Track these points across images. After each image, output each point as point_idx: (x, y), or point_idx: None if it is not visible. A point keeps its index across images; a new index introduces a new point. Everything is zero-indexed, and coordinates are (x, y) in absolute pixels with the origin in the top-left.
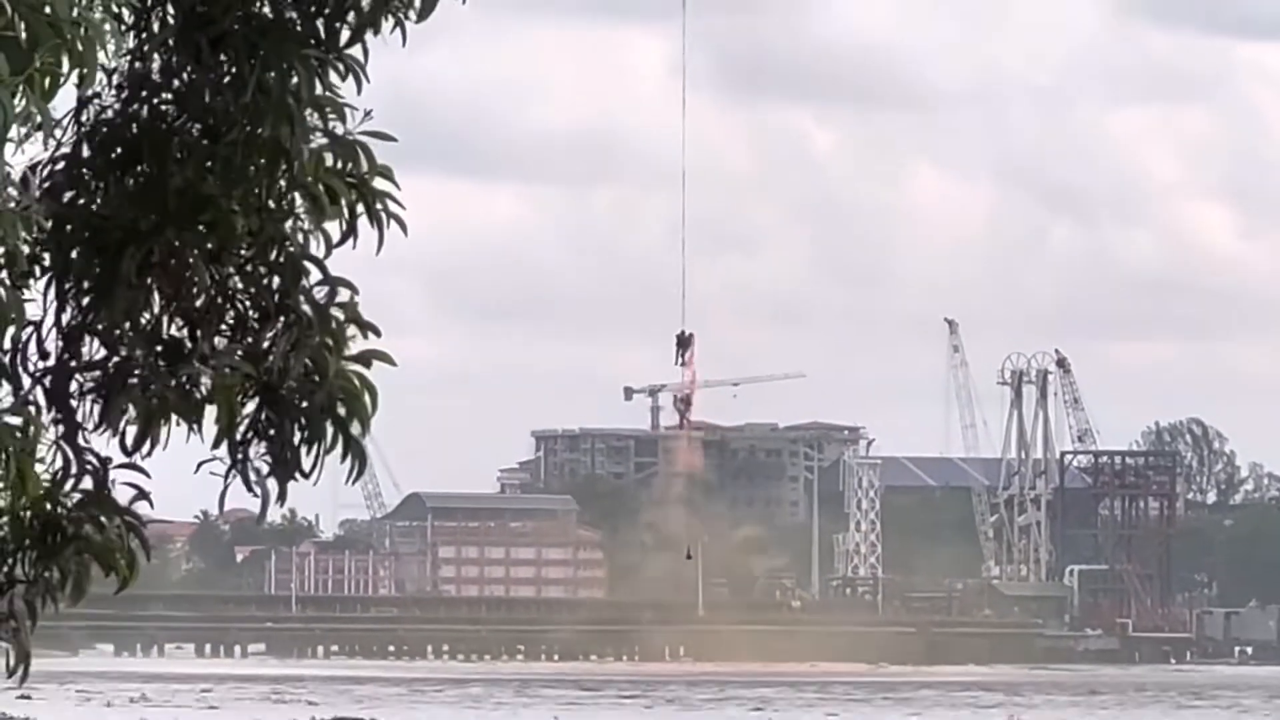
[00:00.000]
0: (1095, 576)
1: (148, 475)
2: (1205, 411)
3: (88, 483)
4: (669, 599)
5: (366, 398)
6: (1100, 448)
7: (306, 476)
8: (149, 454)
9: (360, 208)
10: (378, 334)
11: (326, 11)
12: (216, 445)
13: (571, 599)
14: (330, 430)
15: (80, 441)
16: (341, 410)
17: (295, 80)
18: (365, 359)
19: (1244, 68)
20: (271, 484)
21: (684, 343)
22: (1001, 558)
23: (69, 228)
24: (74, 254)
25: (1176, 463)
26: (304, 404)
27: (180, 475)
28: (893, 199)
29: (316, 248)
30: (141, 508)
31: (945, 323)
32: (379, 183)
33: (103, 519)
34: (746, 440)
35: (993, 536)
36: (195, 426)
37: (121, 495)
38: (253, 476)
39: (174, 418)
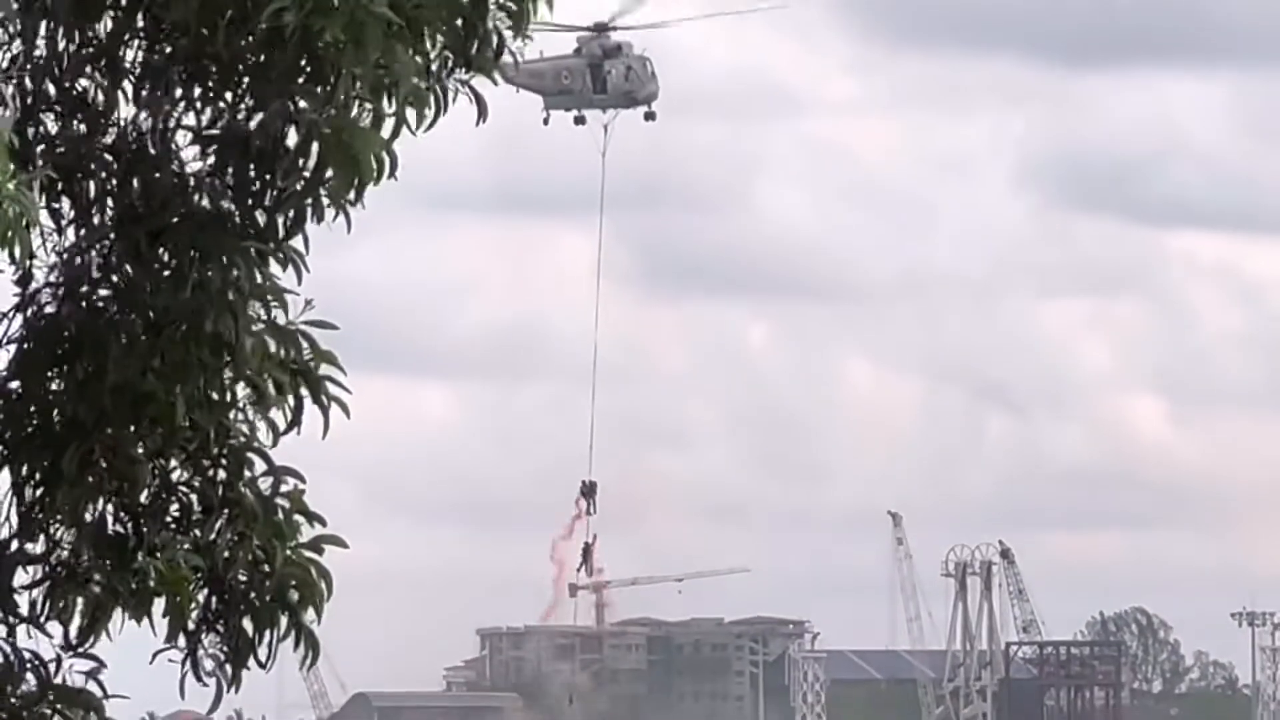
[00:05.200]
0: None
1: (103, 665)
2: (1149, 600)
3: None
4: None
5: (322, 584)
6: (1045, 638)
7: (262, 666)
8: (92, 645)
9: (306, 395)
10: (323, 523)
11: (265, 204)
12: (171, 638)
13: None
14: (284, 619)
15: (21, 637)
16: (294, 597)
17: (236, 273)
18: (316, 545)
19: (1172, 257)
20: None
21: (588, 491)
22: None
23: (17, 418)
24: (21, 446)
25: (1122, 652)
26: (253, 594)
27: (128, 671)
28: (828, 392)
29: (264, 437)
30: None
31: (888, 515)
32: (323, 368)
33: (55, 710)
34: (692, 635)
35: None
36: (146, 619)
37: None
38: (207, 667)
39: (121, 611)
